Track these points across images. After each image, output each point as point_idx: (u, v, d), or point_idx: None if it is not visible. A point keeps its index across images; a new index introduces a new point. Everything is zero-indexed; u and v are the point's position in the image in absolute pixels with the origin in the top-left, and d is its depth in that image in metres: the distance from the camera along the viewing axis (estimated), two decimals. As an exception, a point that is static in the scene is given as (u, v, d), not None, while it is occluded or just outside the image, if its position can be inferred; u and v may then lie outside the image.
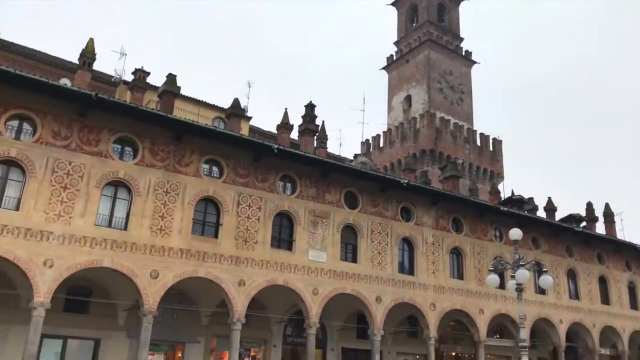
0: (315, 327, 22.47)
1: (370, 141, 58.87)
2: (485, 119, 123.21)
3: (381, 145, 57.71)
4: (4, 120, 17.87)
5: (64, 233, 17.91)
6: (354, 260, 24.42)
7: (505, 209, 29.69)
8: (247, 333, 22.39)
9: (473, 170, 54.23)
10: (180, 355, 23.12)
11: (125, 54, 33.33)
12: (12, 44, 33.09)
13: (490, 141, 57.64)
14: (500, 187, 49.33)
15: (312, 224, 23.46)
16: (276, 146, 22.46)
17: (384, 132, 58.40)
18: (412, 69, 59.49)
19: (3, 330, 19.21)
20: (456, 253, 28.05)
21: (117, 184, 19.63)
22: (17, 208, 17.58)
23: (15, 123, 18.24)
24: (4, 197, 17.61)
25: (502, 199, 38.30)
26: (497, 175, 56.30)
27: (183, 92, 29.63)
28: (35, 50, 34.71)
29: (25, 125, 18.39)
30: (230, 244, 21.19)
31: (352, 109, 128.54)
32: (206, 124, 22.96)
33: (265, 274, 21.65)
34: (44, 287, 17.24)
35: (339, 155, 43.46)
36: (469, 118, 58.76)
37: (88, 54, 26.57)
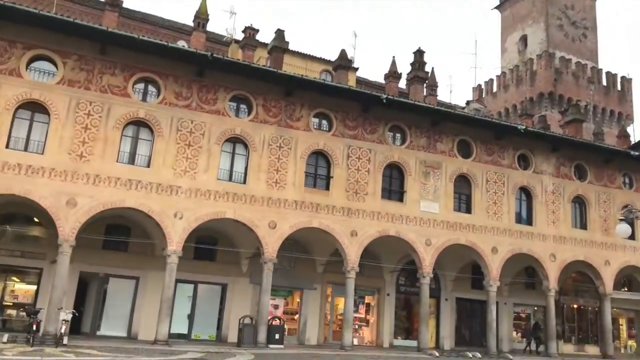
0: (428, 277, 22.55)
1: (483, 86, 56.18)
2: (613, 56, 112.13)
3: (494, 90, 54.88)
4: (131, 83, 19.31)
5: (190, 187, 19.29)
6: (468, 210, 23.91)
7: (637, 153, 27.22)
8: (361, 281, 22.98)
9: (598, 112, 50.10)
10: (298, 300, 24.38)
11: (235, 13, 34.26)
12: (133, 11, 35.22)
13: (618, 80, 52.63)
14: (629, 129, 45.36)
15: (423, 174, 23.18)
16: (384, 96, 22.21)
17: (497, 76, 55.36)
18: (528, 6, 55.22)
19: (143, 275, 21.40)
20: (579, 202, 26.43)
21: (235, 140, 20.61)
22: (148, 165, 19.14)
23: (141, 86, 19.65)
24: (137, 155, 19.23)
25: (632, 142, 35.10)
26: (626, 117, 51.59)
27: (290, 47, 29.99)
28: (153, 15, 36.73)
29: (151, 88, 19.75)
30: (342, 195, 21.61)
31: (463, 53, 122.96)
32: (314, 78, 23.24)
33: (377, 225, 21.91)
34: (175, 236, 18.83)
35: (450, 103, 42.06)
36: (593, 56, 53.85)
37: (201, 15, 27.65)
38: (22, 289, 20.89)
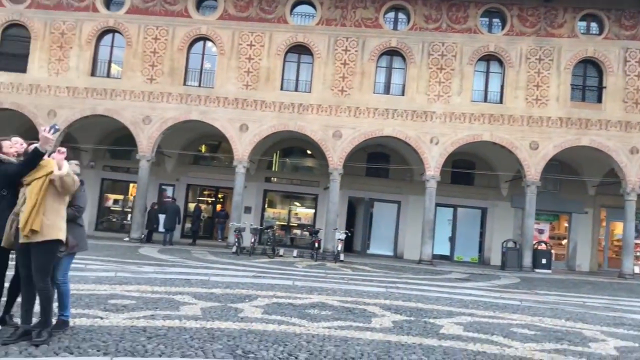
0: None
1: None
2: None
3: None
4: (382, 13, 19.66)
5: (445, 112, 19.18)
6: None
7: None
8: (644, 204, 20.23)
9: None
10: (566, 224, 22.77)
11: None
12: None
13: None
14: None
15: None
16: (674, -17, 18.28)
17: None
18: None
19: (403, 199, 22.51)
20: None
21: (489, 58, 19.59)
22: (402, 93, 19.57)
23: (392, 15, 19.88)
24: (391, 85, 19.79)
25: None
26: None
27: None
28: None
29: (400, 15, 19.86)
30: (617, 108, 18.95)
31: None
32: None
33: (665, 139, 18.78)
34: (432, 161, 19.14)
35: None
36: None
37: None
38: (303, 212, 24.06)
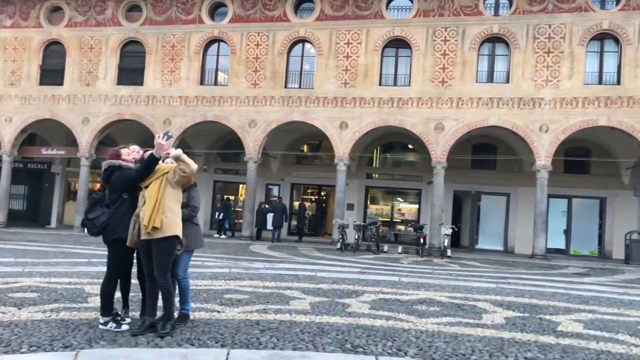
0: None
1: None
2: None
3: None
4: (482, 1, 18.91)
5: (554, 97, 18.08)
6: None
7: None
8: None
9: None
10: (701, 214, 20.56)
11: None
12: None
13: None
14: None
15: None
16: None
17: None
18: None
19: (513, 191, 21.54)
20: None
21: (602, 37, 18.18)
22: (507, 80, 18.73)
23: (492, 0, 19.06)
24: (495, 72, 19.00)
25: None
26: None
27: None
28: None
29: (502, 0, 18.98)
30: None
31: None
32: None
33: None
34: (542, 150, 18.12)
35: None
36: None
37: None
38: (406, 208, 23.83)
